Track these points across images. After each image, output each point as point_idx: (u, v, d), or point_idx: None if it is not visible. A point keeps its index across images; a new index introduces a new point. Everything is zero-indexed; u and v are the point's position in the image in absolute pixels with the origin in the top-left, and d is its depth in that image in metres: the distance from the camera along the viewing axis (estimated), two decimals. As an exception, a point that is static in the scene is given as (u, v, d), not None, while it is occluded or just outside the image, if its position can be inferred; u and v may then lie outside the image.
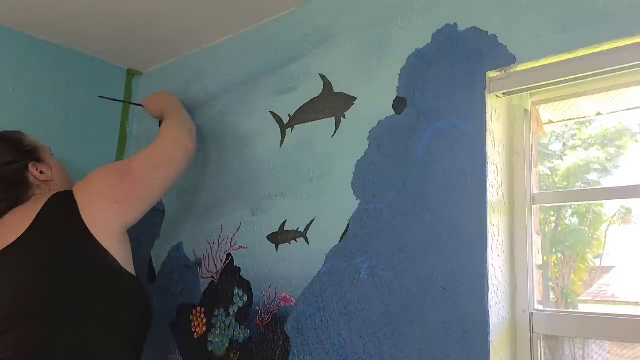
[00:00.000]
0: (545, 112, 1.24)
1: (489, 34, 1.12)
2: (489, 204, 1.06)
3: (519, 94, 1.15)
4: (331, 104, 1.39)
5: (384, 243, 1.19)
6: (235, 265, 1.52)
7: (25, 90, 1.77)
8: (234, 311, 1.48)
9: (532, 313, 1.09)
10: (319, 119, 1.41)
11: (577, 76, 1.03)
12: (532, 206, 1.14)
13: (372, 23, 1.34)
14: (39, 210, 1.18)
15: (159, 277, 1.78)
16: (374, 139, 1.27)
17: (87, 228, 1.16)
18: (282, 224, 1.43)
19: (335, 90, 1.39)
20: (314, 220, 1.35)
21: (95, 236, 1.16)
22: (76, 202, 1.19)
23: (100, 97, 1.79)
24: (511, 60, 1.08)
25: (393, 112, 1.25)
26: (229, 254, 1.55)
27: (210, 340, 1.52)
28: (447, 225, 1.10)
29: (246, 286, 1.47)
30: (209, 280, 1.59)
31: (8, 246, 1.15)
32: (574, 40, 1.00)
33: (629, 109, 1.14)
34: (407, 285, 1.13)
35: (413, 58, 1.24)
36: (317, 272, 1.30)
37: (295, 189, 1.42)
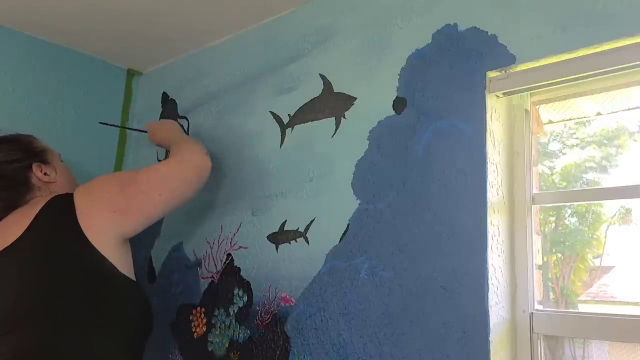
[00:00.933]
0: (545, 112, 1.24)
1: (489, 34, 1.12)
2: (489, 204, 1.06)
3: (519, 94, 1.15)
4: (331, 104, 1.39)
5: (384, 243, 1.19)
6: (235, 265, 1.53)
7: (25, 90, 1.77)
8: (234, 311, 1.48)
9: (532, 313, 1.09)
10: (319, 119, 1.41)
11: (577, 76, 1.03)
12: (532, 206, 1.14)
13: (372, 23, 1.35)
14: (37, 212, 1.18)
15: (159, 277, 1.78)
16: (374, 139, 1.27)
17: (83, 233, 1.15)
18: (282, 224, 1.43)
19: (335, 90, 1.39)
20: (314, 220, 1.35)
21: (91, 242, 1.15)
22: (74, 206, 1.18)
23: (101, 123, 1.79)
24: (511, 60, 1.08)
25: (393, 112, 1.25)
26: (229, 254, 1.55)
27: (210, 340, 1.52)
28: (447, 225, 1.10)
29: (246, 286, 1.47)
30: (209, 280, 1.59)
31: (6, 248, 1.15)
32: (574, 40, 1.00)
33: (628, 109, 1.14)
34: (407, 285, 1.13)
35: (413, 58, 1.24)
36: (317, 272, 1.30)
37: (295, 189, 1.42)
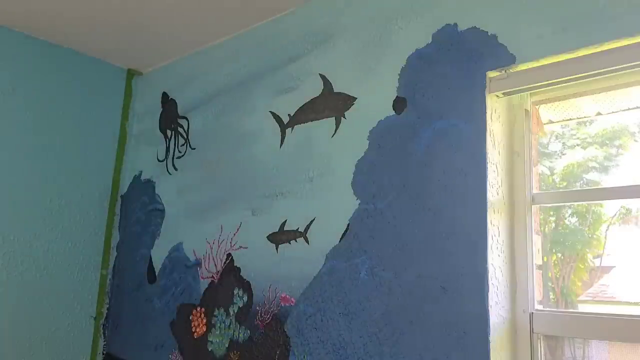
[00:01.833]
0: (545, 112, 1.23)
1: (489, 34, 1.12)
2: (489, 204, 1.06)
3: (519, 94, 1.15)
4: (331, 104, 1.39)
5: (384, 243, 1.19)
6: (235, 265, 1.52)
7: (25, 90, 1.77)
8: (234, 311, 1.48)
9: (532, 313, 1.09)
10: (319, 119, 1.41)
11: (577, 76, 1.03)
12: (532, 206, 1.14)
13: (372, 23, 1.34)
14: None
15: (159, 277, 1.78)
16: (374, 139, 1.27)
17: None
18: (282, 224, 1.43)
19: (335, 90, 1.39)
20: (314, 220, 1.35)
21: None
22: None
23: None
24: (511, 60, 1.08)
25: (393, 112, 1.25)
26: (229, 254, 1.55)
27: (210, 340, 1.52)
28: (447, 225, 1.10)
29: (246, 286, 1.47)
30: (209, 280, 1.59)
31: None
32: (574, 40, 1.00)
33: (629, 109, 1.14)
34: (407, 285, 1.13)
35: (413, 58, 1.24)
36: (317, 272, 1.30)
37: (295, 189, 1.42)
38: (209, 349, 1.51)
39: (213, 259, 1.60)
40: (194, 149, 1.76)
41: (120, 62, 2.02)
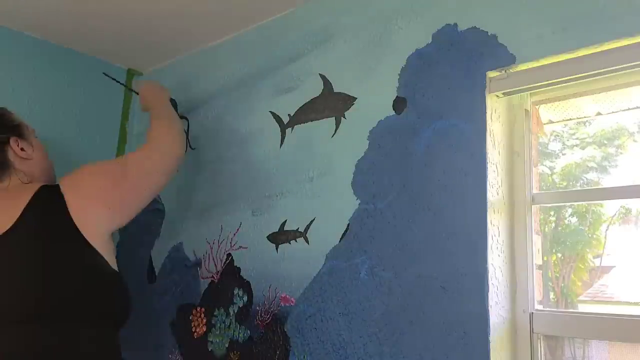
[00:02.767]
0: (545, 112, 1.24)
1: (489, 34, 1.12)
2: (489, 204, 1.06)
3: (519, 94, 1.15)
4: (331, 104, 1.39)
5: (384, 243, 1.19)
6: (235, 265, 1.53)
7: (25, 90, 1.77)
8: (234, 311, 1.48)
9: (532, 313, 1.09)
10: (319, 119, 1.41)
11: (577, 76, 1.03)
12: (532, 206, 1.14)
13: (372, 23, 1.35)
14: (26, 203, 1.14)
15: (159, 277, 1.78)
16: (374, 139, 1.27)
17: (78, 229, 1.14)
18: (282, 224, 1.43)
19: (335, 90, 1.39)
20: (314, 220, 1.35)
21: (86, 238, 1.14)
22: (65, 201, 1.15)
23: (104, 74, 1.75)
24: (511, 60, 1.08)
25: (393, 112, 1.25)
26: (229, 254, 1.55)
27: (210, 340, 1.52)
28: (447, 225, 1.10)
29: (246, 286, 1.47)
30: (209, 280, 1.59)
31: None
32: (574, 40, 1.00)
33: (628, 109, 1.14)
34: (407, 285, 1.13)
35: (413, 58, 1.24)
36: (317, 272, 1.30)
37: (295, 189, 1.42)
38: (209, 349, 1.51)
39: (213, 259, 1.60)
40: (194, 148, 1.76)
41: (120, 62, 2.02)
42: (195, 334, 1.57)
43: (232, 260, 1.54)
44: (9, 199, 1.19)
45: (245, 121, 1.62)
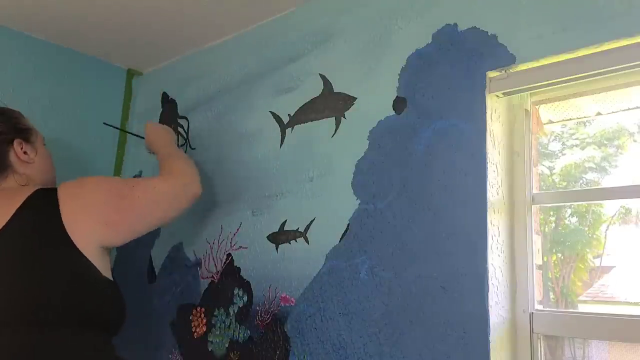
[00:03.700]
0: (545, 112, 1.24)
1: (489, 34, 1.12)
2: (489, 204, 1.06)
3: (519, 94, 1.15)
4: (331, 104, 1.39)
5: (384, 243, 1.19)
6: (235, 265, 1.53)
7: (25, 90, 1.77)
8: (234, 311, 1.48)
9: (532, 313, 1.09)
10: (319, 119, 1.41)
11: (577, 76, 1.03)
12: (532, 206, 1.14)
13: (372, 23, 1.35)
14: (18, 206, 1.13)
15: (159, 277, 1.78)
16: (374, 139, 1.27)
17: (69, 237, 1.12)
18: (282, 224, 1.43)
19: (335, 90, 1.39)
20: (314, 220, 1.35)
21: (77, 246, 1.12)
22: (59, 207, 1.14)
23: (105, 124, 1.78)
24: (511, 60, 1.08)
25: (393, 112, 1.25)
26: (229, 254, 1.55)
27: (210, 340, 1.52)
28: (447, 225, 1.10)
29: (246, 286, 1.47)
30: (209, 280, 1.59)
31: None
32: (574, 40, 1.00)
33: (628, 109, 1.14)
34: (407, 285, 1.13)
35: (413, 58, 1.24)
36: (317, 272, 1.30)
37: (295, 189, 1.42)
38: (209, 349, 1.51)
39: (213, 259, 1.60)
40: (194, 148, 1.76)
41: (120, 62, 2.02)
42: (195, 334, 1.57)
43: (232, 260, 1.54)
44: (2, 198, 1.18)
45: (245, 121, 1.62)
